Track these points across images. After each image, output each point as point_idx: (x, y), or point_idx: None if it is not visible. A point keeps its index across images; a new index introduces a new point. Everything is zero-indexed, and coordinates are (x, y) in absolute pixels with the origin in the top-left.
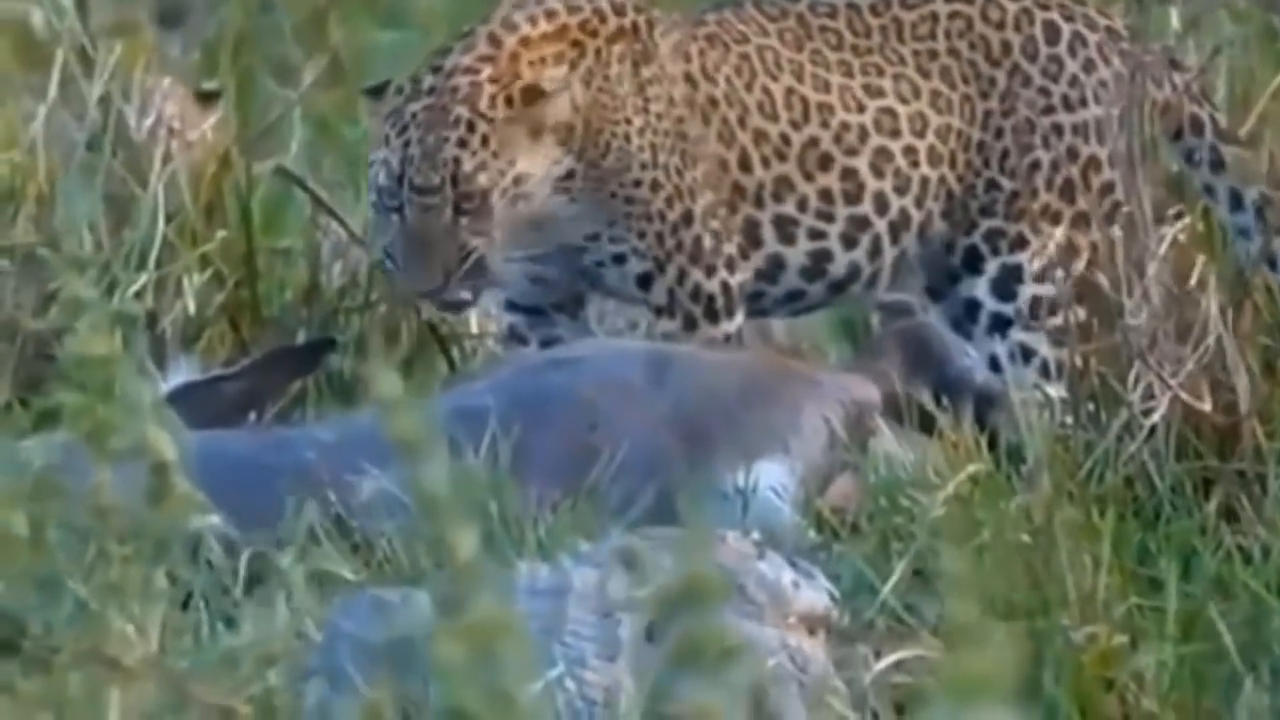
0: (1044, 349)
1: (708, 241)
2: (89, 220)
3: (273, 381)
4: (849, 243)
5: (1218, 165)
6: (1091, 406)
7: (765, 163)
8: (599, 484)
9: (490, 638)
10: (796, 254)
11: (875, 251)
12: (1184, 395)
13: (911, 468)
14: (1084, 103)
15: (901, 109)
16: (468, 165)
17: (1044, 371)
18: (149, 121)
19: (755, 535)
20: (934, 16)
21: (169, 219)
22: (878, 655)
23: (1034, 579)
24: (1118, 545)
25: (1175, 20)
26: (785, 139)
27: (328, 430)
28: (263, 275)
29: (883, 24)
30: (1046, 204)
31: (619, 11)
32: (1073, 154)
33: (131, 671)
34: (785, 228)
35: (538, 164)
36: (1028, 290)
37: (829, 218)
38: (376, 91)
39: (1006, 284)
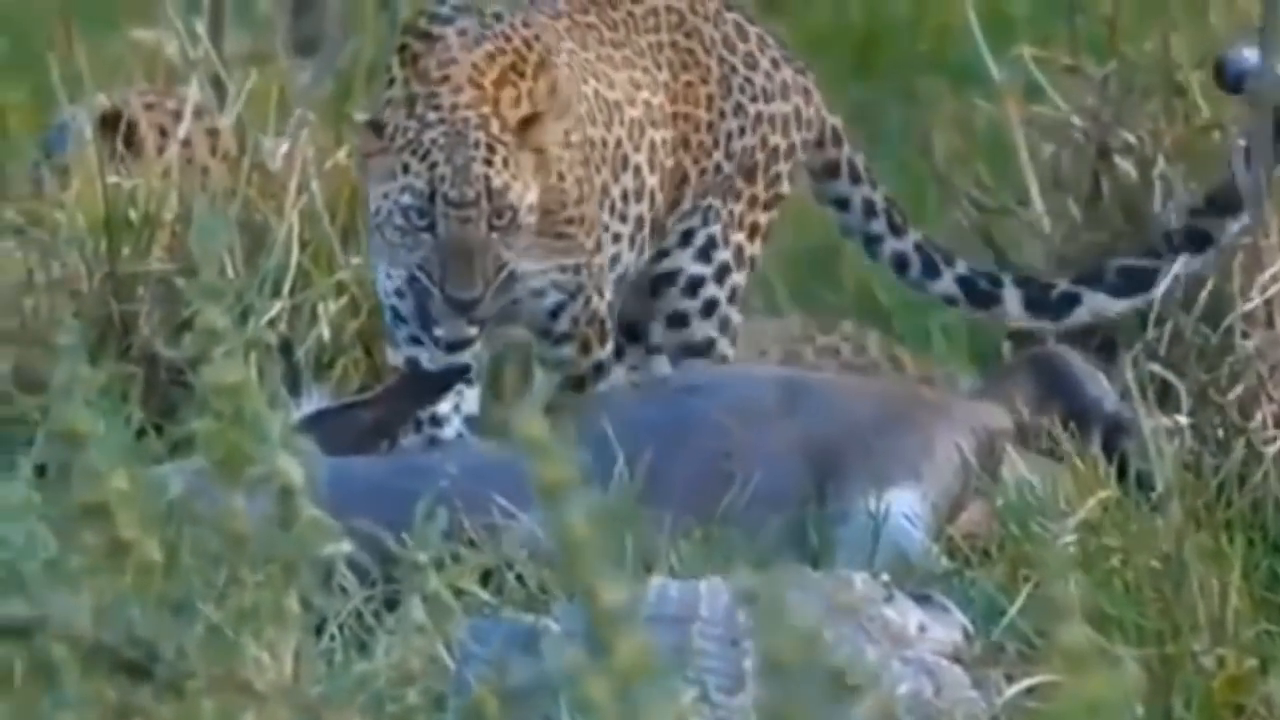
0: (724, 305)
1: (605, 265)
2: (224, 248)
3: (405, 408)
4: (631, 243)
5: (855, 177)
6: (1220, 433)
7: (598, 170)
8: (732, 510)
9: (633, 679)
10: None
11: (641, 250)
12: None
13: (1042, 494)
14: (775, 97)
15: (654, 100)
16: (497, 182)
17: (724, 327)
18: (284, 149)
19: (885, 577)
20: (654, 10)
21: (304, 246)
22: (1009, 680)
23: (1164, 605)
24: (1247, 571)
25: None
26: (604, 142)
27: (460, 458)
28: None
29: (621, 18)
30: (734, 182)
31: (532, 43)
32: (764, 142)
33: (264, 696)
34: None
35: (536, 192)
36: (720, 254)
37: (624, 218)
38: (376, 126)
39: (706, 251)
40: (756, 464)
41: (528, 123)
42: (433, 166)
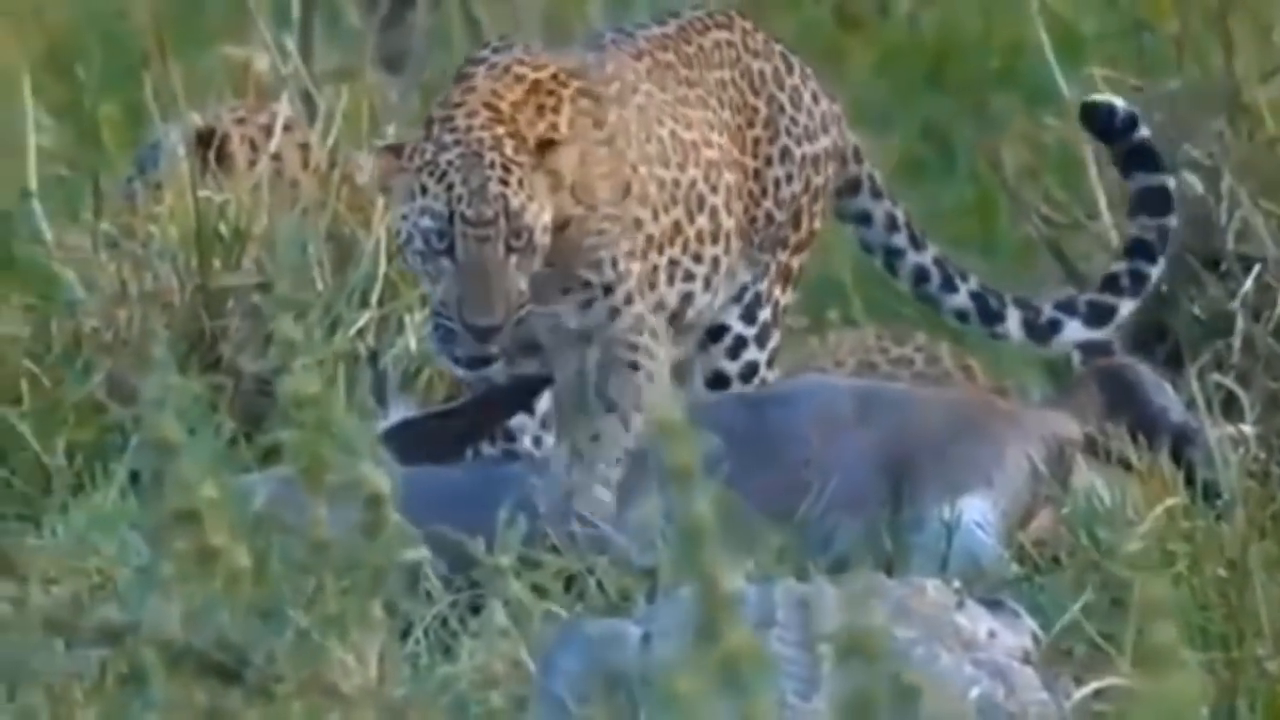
0: (762, 369)
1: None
2: (312, 260)
3: (489, 418)
4: (706, 284)
5: (877, 192)
6: None
7: (666, 209)
8: (808, 517)
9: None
10: (673, 295)
11: (716, 293)
12: None
13: (1110, 502)
14: (817, 135)
15: (723, 141)
16: (514, 202)
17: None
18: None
19: (956, 584)
20: (718, 44)
21: (390, 259)
22: (1078, 683)
23: (1229, 610)
24: None
25: None
26: (677, 183)
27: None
28: None
29: (694, 52)
30: (784, 231)
31: (568, 79)
32: (807, 185)
33: (350, 699)
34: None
35: (550, 214)
36: (763, 313)
37: (699, 258)
38: (395, 150)
39: (751, 309)
40: (833, 472)
41: (545, 146)
42: (450, 187)
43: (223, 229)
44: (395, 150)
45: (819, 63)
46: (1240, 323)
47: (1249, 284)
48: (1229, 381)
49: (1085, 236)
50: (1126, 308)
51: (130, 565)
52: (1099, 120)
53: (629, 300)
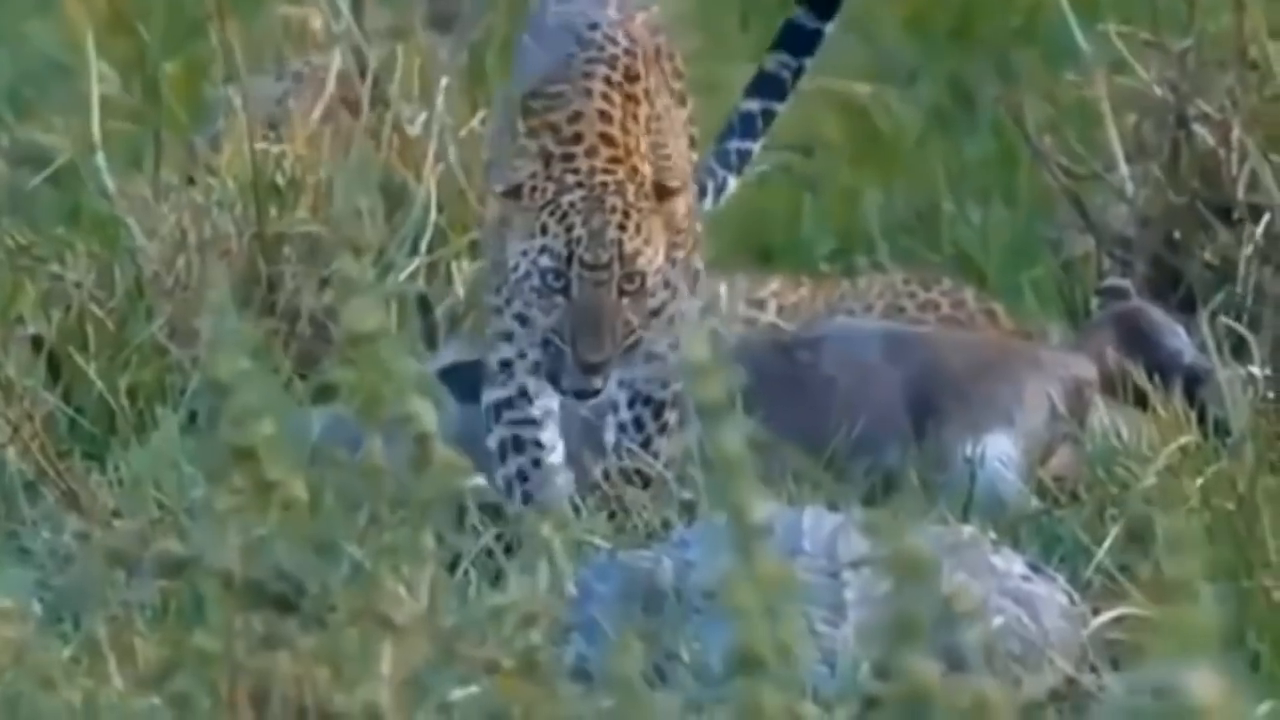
0: None
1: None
2: (366, 209)
3: None
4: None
5: None
6: None
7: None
8: (837, 456)
9: (776, 591)
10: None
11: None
12: None
13: (1126, 440)
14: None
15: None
16: (629, 247)
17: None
18: (423, 117)
19: (992, 535)
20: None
21: (440, 208)
22: (1095, 613)
23: (1238, 543)
24: None
25: None
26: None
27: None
28: None
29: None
30: None
31: (633, 50)
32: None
33: (402, 629)
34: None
35: (662, 256)
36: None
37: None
38: (514, 192)
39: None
40: (860, 412)
41: (663, 193)
42: (569, 229)
43: (279, 179)
44: (514, 192)
45: (848, 23)
46: (1250, 269)
47: (1258, 232)
48: (1239, 325)
49: (1102, 187)
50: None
51: (190, 500)
52: None
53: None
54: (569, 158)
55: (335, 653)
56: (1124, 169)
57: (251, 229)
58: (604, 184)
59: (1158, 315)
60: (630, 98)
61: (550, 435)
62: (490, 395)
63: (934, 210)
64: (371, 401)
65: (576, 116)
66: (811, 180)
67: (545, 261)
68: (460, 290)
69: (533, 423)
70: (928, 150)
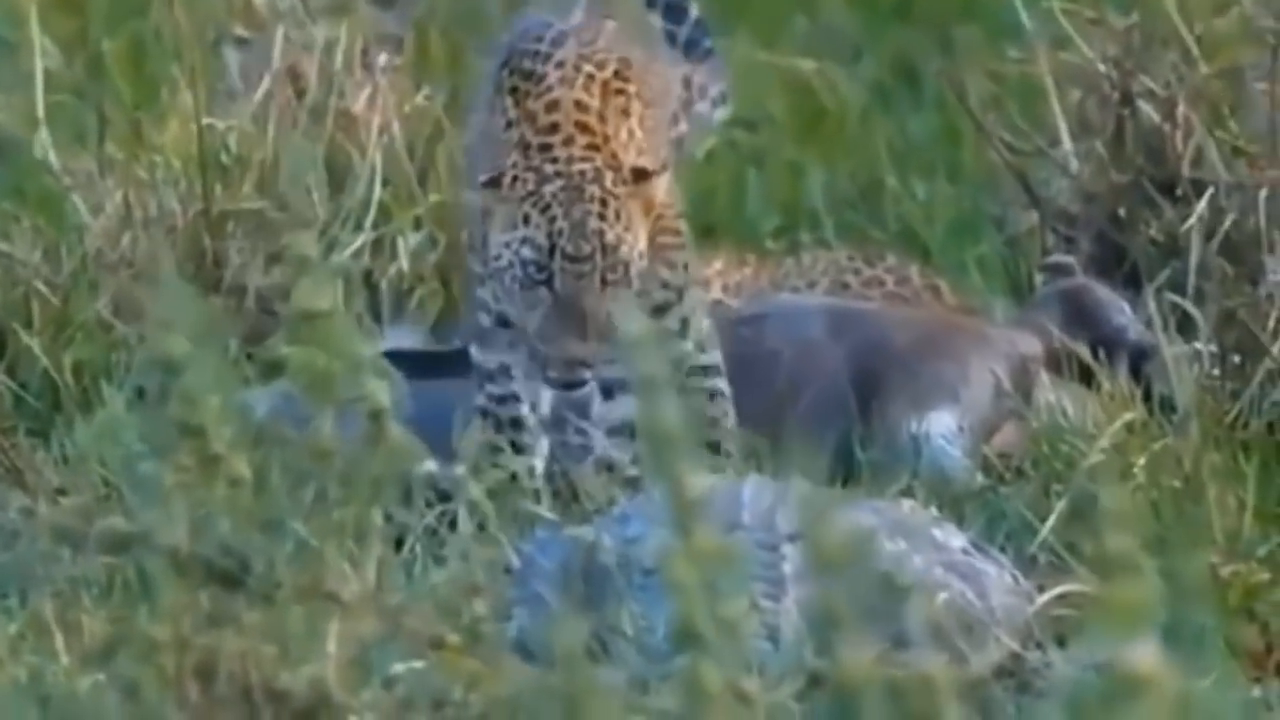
0: None
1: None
2: (310, 185)
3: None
4: None
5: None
6: (1237, 358)
7: None
8: (781, 432)
9: (714, 565)
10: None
11: None
12: None
13: (1072, 417)
14: None
15: None
16: (610, 237)
17: None
18: (366, 93)
19: (934, 511)
20: None
21: (385, 184)
22: (1041, 589)
23: (1183, 519)
24: (1261, 488)
25: None
26: None
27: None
28: None
29: None
30: None
31: (626, 68)
32: None
33: (348, 605)
34: None
35: (645, 241)
36: None
37: None
38: (494, 182)
39: None
40: (806, 389)
41: (640, 176)
42: (552, 220)
43: (225, 156)
44: (495, 182)
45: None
46: (1194, 245)
47: (1202, 207)
48: (1184, 302)
49: (1047, 163)
50: None
51: (135, 477)
52: None
53: (696, 310)
54: (546, 147)
55: (281, 630)
56: (1068, 145)
57: (197, 205)
58: (582, 173)
59: (1103, 292)
60: (617, 91)
61: (528, 412)
62: (477, 357)
63: (878, 186)
64: (321, 380)
65: (554, 105)
66: (756, 156)
67: (527, 254)
68: (405, 265)
69: (514, 399)
70: (872, 127)
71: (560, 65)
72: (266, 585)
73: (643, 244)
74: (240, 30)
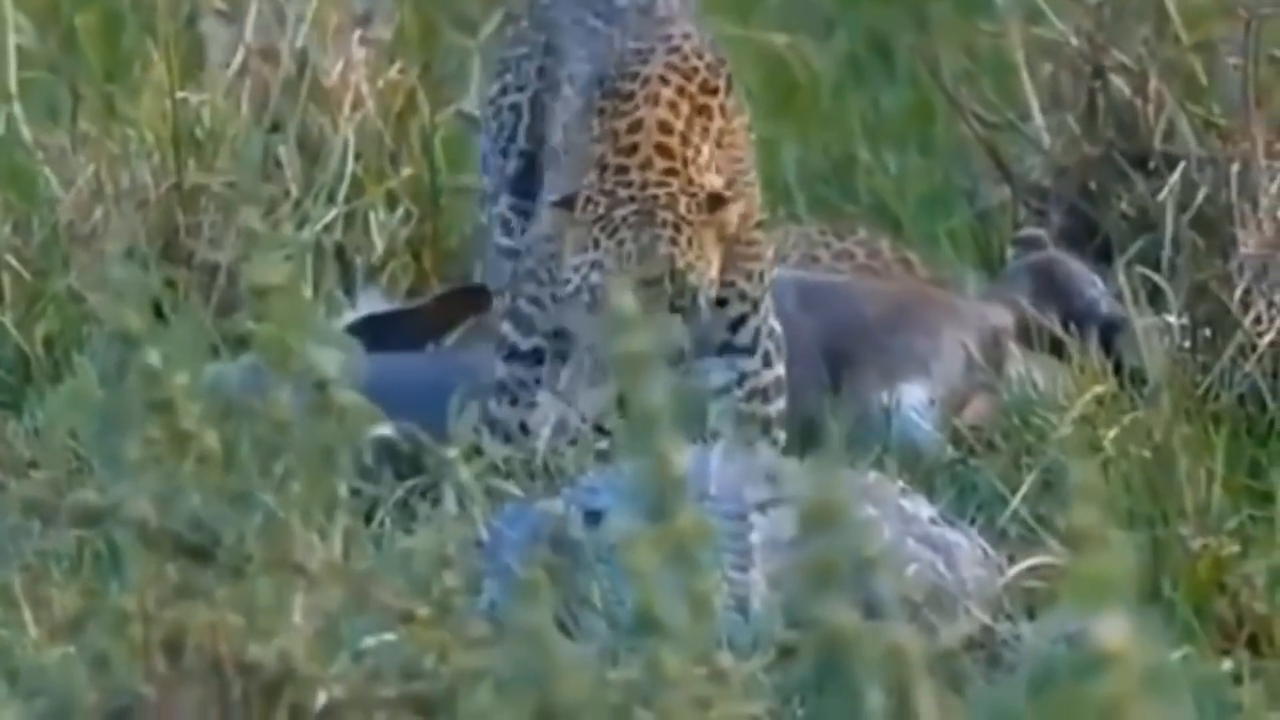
0: None
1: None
2: (283, 160)
3: (451, 316)
4: None
5: None
6: (1208, 331)
7: None
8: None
9: (693, 542)
10: None
11: None
12: None
13: (1042, 389)
14: None
15: None
16: (680, 263)
17: None
18: (339, 68)
19: (900, 484)
20: None
21: (358, 158)
22: (1011, 561)
23: (1154, 492)
24: (1231, 460)
25: None
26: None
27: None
28: (444, 211)
29: None
30: None
31: (718, 66)
32: None
33: (316, 577)
34: None
35: (717, 268)
36: None
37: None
38: (567, 203)
39: None
40: None
41: (716, 203)
42: (620, 244)
43: (198, 131)
44: (568, 203)
45: None
46: (1166, 219)
47: (1174, 181)
48: (1155, 275)
49: (1018, 137)
50: None
51: (105, 451)
52: None
53: (768, 318)
54: (623, 170)
55: (250, 602)
56: (1039, 119)
57: (170, 180)
58: (656, 198)
59: (1074, 265)
60: (702, 110)
61: (544, 397)
62: (511, 336)
63: (850, 160)
64: (277, 351)
65: (636, 124)
66: None
67: (595, 279)
68: (377, 240)
69: (535, 383)
70: (844, 101)
71: (646, 82)
72: (235, 558)
73: (714, 272)
74: (218, 3)
